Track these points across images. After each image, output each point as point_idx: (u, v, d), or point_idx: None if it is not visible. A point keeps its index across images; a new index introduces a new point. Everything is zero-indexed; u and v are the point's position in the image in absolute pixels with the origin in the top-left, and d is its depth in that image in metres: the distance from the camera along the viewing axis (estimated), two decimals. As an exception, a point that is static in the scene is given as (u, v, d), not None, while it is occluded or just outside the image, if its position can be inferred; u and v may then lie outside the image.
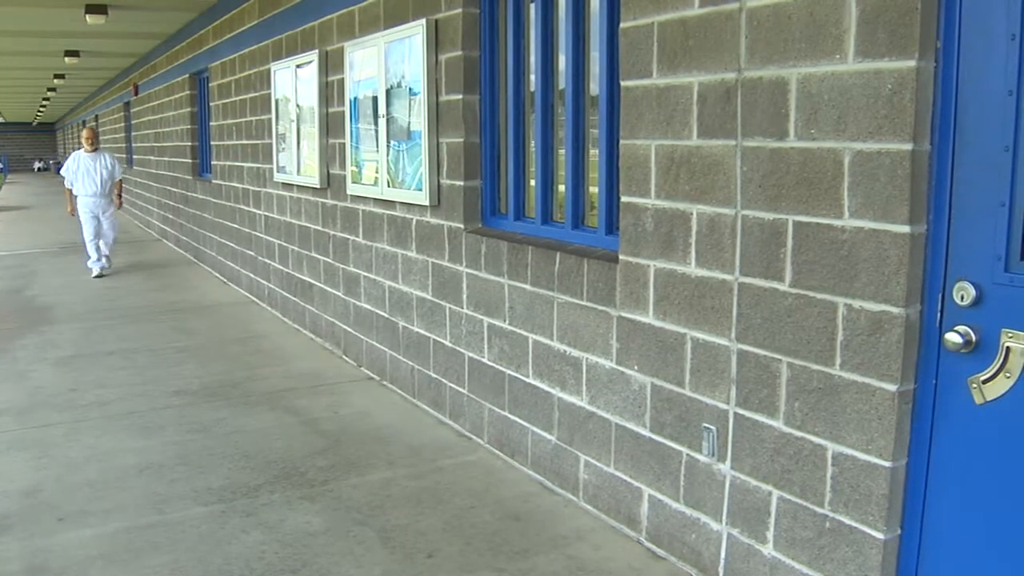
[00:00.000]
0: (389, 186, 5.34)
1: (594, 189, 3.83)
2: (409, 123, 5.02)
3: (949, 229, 2.34)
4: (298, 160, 6.96)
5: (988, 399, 2.29)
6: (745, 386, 2.91)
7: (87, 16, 9.29)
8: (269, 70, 7.53)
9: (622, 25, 3.31)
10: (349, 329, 6.27)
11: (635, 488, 3.47)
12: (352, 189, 5.93)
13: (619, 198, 3.43)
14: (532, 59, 4.16)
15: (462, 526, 3.63)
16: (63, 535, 3.56)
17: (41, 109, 35.51)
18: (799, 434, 2.72)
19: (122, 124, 18.74)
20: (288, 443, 4.61)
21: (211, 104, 10.06)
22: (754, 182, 2.80)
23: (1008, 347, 2.23)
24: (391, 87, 5.20)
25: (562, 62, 3.95)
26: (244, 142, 8.65)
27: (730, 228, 2.91)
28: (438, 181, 4.81)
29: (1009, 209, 2.20)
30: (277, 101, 7.40)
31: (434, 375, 5.04)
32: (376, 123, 5.43)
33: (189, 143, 11.53)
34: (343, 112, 6.00)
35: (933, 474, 2.44)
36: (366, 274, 5.89)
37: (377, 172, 5.49)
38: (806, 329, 2.67)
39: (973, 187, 2.28)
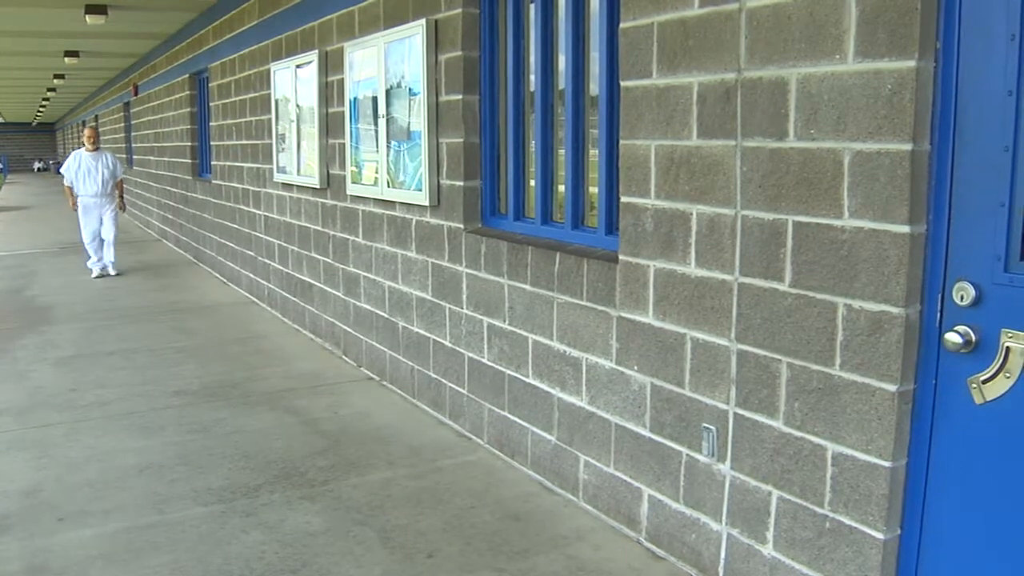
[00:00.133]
0: (389, 186, 5.34)
1: (594, 189, 3.83)
2: (409, 123, 5.02)
3: (949, 229, 2.34)
4: (298, 160, 6.96)
5: (988, 399, 2.29)
6: (745, 386, 2.91)
7: (87, 16, 9.29)
8: (269, 70, 7.53)
9: (622, 25, 3.31)
10: (349, 329, 6.27)
11: (635, 488, 3.47)
12: (352, 189, 5.94)
13: (619, 198, 3.43)
14: (532, 59, 4.16)
15: (462, 526, 3.63)
16: (63, 535, 3.56)
17: (41, 109, 35.51)
18: (799, 434, 2.73)
19: (122, 124, 18.74)
20: (288, 443, 4.61)
21: (211, 104, 10.06)
22: (754, 182, 2.80)
23: (1008, 347, 2.23)
24: (391, 87, 5.20)
25: (562, 62, 3.95)
26: (244, 142, 8.65)
27: (730, 228, 2.91)
28: (438, 181, 4.81)
29: (1009, 209, 2.20)
30: (277, 101, 7.40)
31: (434, 375, 5.04)
32: (376, 123, 5.43)
33: (189, 143, 11.53)
34: (343, 112, 6.00)
35: (933, 474, 2.44)
36: (366, 274, 5.89)
37: (377, 172, 5.49)
38: (806, 329, 2.67)
39: (973, 187, 2.28)
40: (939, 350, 2.38)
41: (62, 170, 10.53)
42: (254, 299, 8.73)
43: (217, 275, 10.27)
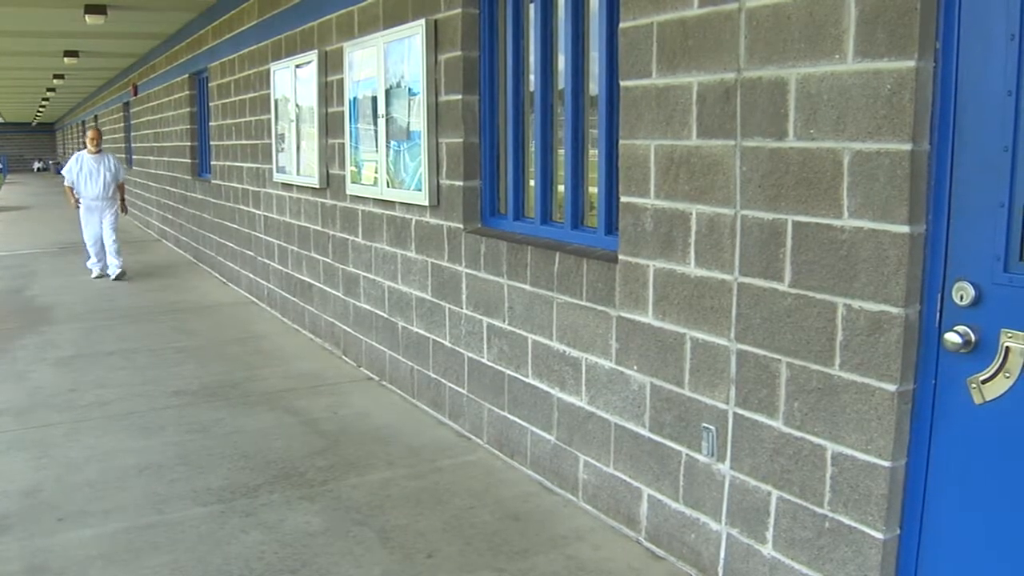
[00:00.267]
0: (388, 186, 5.34)
1: (593, 189, 3.83)
2: (408, 123, 5.02)
3: (948, 229, 2.34)
4: (297, 160, 6.96)
5: (987, 399, 2.29)
6: (744, 386, 2.91)
7: (86, 16, 9.29)
8: (268, 70, 7.53)
9: (621, 25, 3.31)
10: (348, 329, 6.27)
11: (634, 488, 3.47)
12: (351, 189, 5.94)
13: (618, 198, 3.43)
14: (531, 59, 4.16)
15: (461, 526, 3.63)
16: (63, 535, 3.56)
17: (40, 109, 35.51)
18: (798, 434, 2.73)
19: (121, 124, 18.74)
20: (287, 443, 4.61)
21: (210, 104, 10.06)
22: (753, 182, 2.80)
23: (1007, 347, 2.23)
24: (390, 87, 5.20)
25: (561, 62, 3.95)
26: (243, 142, 8.65)
27: (729, 228, 2.91)
28: (437, 181, 4.81)
29: (1008, 209, 2.20)
30: (276, 101, 7.40)
31: (433, 375, 5.04)
32: (375, 123, 5.43)
33: (188, 143, 11.53)
34: (342, 112, 6.00)
35: (932, 474, 2.44)
36: (365, 274, 5.89)
37: (376, 172, 5.49)
38: (805, 329, 2.67)
39: (972, 187, 2.28)
40: (939, 350, 2.38)
41: (63, 172, 10.37)
42: (254, 299, 8.73)
43: (217, 275, 10.27)
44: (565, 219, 4.00)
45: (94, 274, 10.09)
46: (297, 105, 6.86)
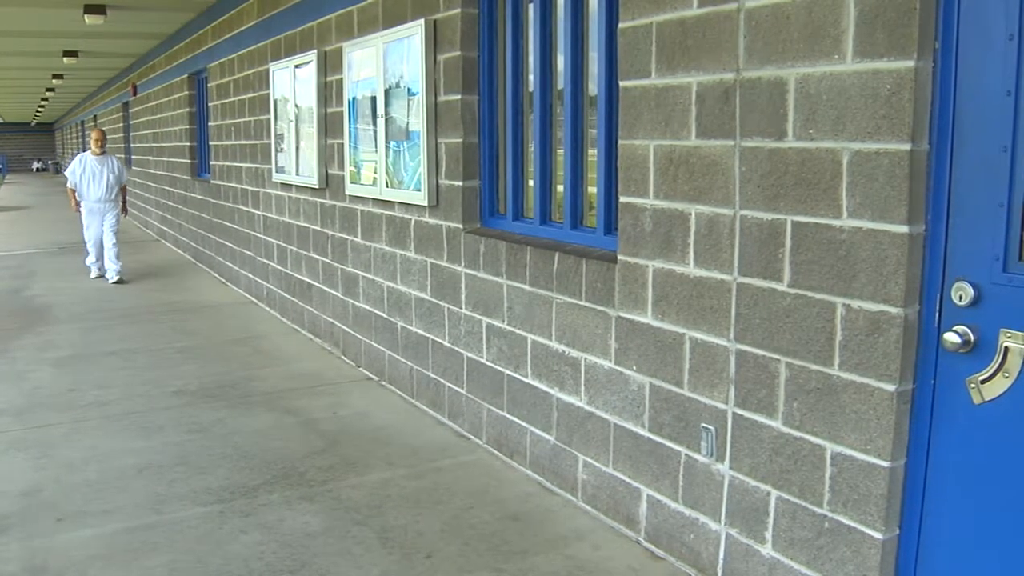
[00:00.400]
0: (388, 186, 5.34)
1: (593, 189, 3.84)
2: (408, 123, 5.02)
3: (947, 229, 2.34)
4: (297, 160, 6.96)
5: (986, 399, 2.29)
6: (744, 386, 2.91)
7: (85, 16, 9.28)
8: (268, 70, 7.53)
9: (621, 25, 3.31)
10: (348, 329, 6.27)
11: (634, 488, 3.47)
12: (351, 189, 5.93)
13: (618, 198, 3.43)
14: (531, 59, 4.16)
15: (461, 526, 3.63)
16: (62, 535, 3.56)
17: (40, 109, 35.48)
18: (798, 434, 2.73)
19: (121, 124, 18.74)
20: (287, 443, 4.61)
21: (210, 104, 10.06)
22: (753, 182, 2.80)
23: (1006, 347, 2.23)
24: (390, 87, 5.20)
25: (561, 62, 3.95)
26: (243, 142, 8.65)
27: (729, 228, 2.91)
28: (436, 181, 4.81)
29: (1007, 209, 2.20)
30: (276, 101, 7.40)
31: (433, 375, 5.04)
32: (375, 123, 5.43)
33: (188, 143, 11.53)
34: (342, 112, 6.00)
35: (932, 474, 2.44)
36: (365, 274, 5.89)
37: (376, 172, 5.49)
38: (805, 329, 2.67)
39: (971, 187, 2.28)
40: (938, 350, 2.38)
41: (66, 173, 10.23)
42: (253, 299, 8.72)
43: (216, 275, 10.27)
44: (564, 219, 4.00)
45: (93, 274, 10.06)
46: (296, 105, 6.86)
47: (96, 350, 6.66)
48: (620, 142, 3.37)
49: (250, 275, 8.80)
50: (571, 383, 3.81)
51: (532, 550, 3.42)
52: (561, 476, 3.93)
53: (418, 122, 4.87)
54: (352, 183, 5.90)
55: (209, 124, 10.19)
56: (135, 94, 15.60)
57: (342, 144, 6.04)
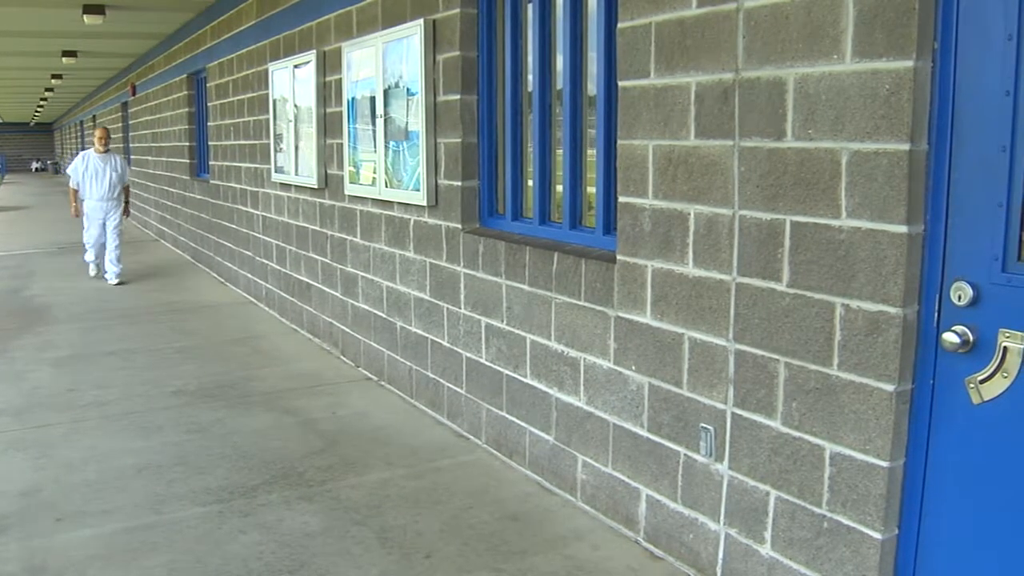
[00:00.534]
0: (387, 186, 5.34)
1: (592, 189, 3.84)
2: (407, 123, 5.02)
3: (946, 229, 2.35)
4: (296, 160, 6.96)
5: (985, 399, 2.29)
6: (743, 386, 2.91)
7: (85, 16, 9.27)
8: (267, 70, 7.53)
9: (620, 25, 3.31)
10: (347, 329, 6.27)
11: (633, 488, 3.47)
12: (350, 189, 5.93)
13: (617, 198, 3.43)
14: (530, 59, 4.16)
15: (460, 526, 3.63)
16: (61, 535, 3.55)
17: (39, 109, 35.47)
18: (797, 434, 2.73)
19: (120, 124, 18.73)
20: (286, 443, 4.61)
21: (209, 104, 10.06)
22: (752, 182, 2.80)
23: (1005, 347, 2.23)
24: (389, 87, 5.20)
25: (560, 62, 3.95)
26: (242, 142, 8.64)
27: (728, 228, 2.91)
28: (436, 181, 4.81)
29: (1006, 209, 2.21)
30: (275, 101, 7.39)
31: (432, 375, 5.04)
32: (374, 123, 5.43)
33: (187, 143, 11.52)
34: (341, 112, 6.00)
35: (931, 474, 2.44)
36: (364, 274, 5.89)
37: (375, 172, 5.49)
38: (804, 329, 2.67)
39: (970, 187, 2.29)
40: (937, 350, 2.38)
41: (68, 170, 10.12)
42: (252, 299, 8.72)
43: (215, 275, 10.26)
44: (563, 219, 4.00)
45: (91, 272, 10.00)
46: (295, 105, 6.86)
47: (95, 350, 6.66)
48: (619, 142, 3.37)
49: (249, 275, 8.80)
50: (570, 383, 3.81)
51: (531, 550, 3.42)
52: (560, 476, 3.93)
53: (417, 122, 4.87)
54: (351, 183, 5.90)
55: (208, 124, 10.19)
56: (134, 94, 15.60)
57: (341, 144, 6.04)
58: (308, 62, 6.48)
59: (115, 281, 9.73)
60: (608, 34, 3.54)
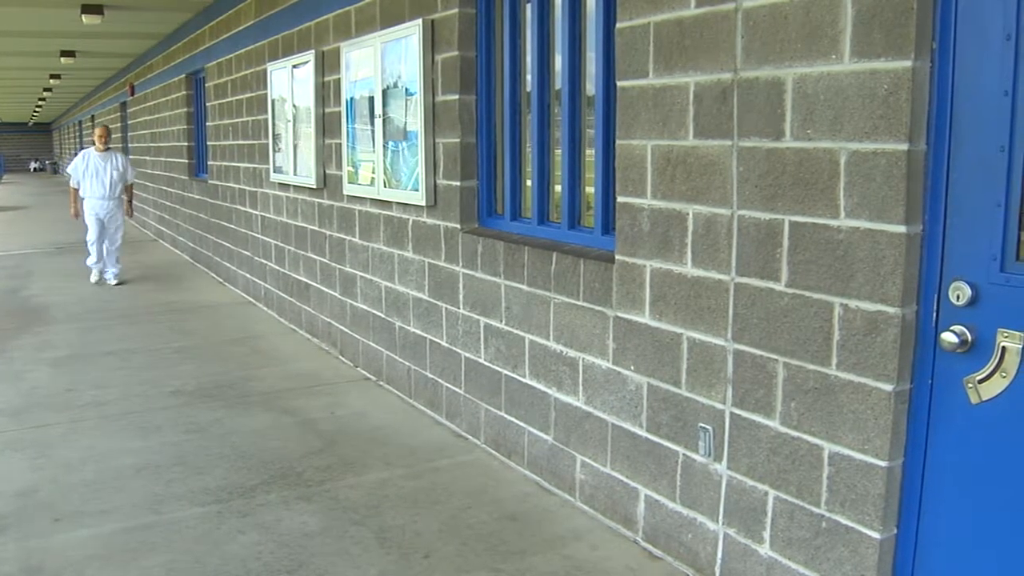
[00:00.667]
0: (385, 186, 5.34)
1: (590, 189, 3.83)
2: (405, 123, 5.02)
3: (945, 229, 2.35)
4: (294, 160, 6.95)
5: (984, 399, 2.29)
6: (741, 386, 2.91)
7: (83, 16, 9.27)
8: (265, 70, 7.52)
9: (618, 25, 3.31)
10: (345, 329, 6.26)
11: (631, 488, 3.47)
12: (348, 189, 5.93)
13: (615, 198, 3.43)
14: (528, 59, 4.16)
15: (459, 526, 3.63)
16: (59, 536, 3.55)
17: (37, 109, 35.45)
18: (795, 434, 2.73)
19: (118, 124, 18.72)
20: (285, 443, 4.61)
21: (207, 104, 10.05)
22: (750, 182, 2.80)
23: (1004, 347, 2.23)
24: (387, 87, 5.20)
25: (558, 62, 3.95)
26: (240, 142, 8.64)
27: (726, 228, 2.91)
28: (434, 181, 4.81)
29: (1005, 209, 2.21)
30: (273, 101, 7.39)
31: (430, 375, 5.04)
32: (372, 123, 5.42)
33: (185, 143, 11.51)
34: (339, 112, 6.00)
35: (929, 474, 2.44)
36: (362, 274, 5.89)
37: (373, 172, 5.49)
38: (802, 329, 2.67)
39: (969, 187, 2.29)
40: (935, 350, 2.38)
41: (68, 169, 10.04)
42: (251, 299, 8.72)
43: (214, 275, 10.26)
44: (562, 219, 4.00)
45: (93, 277, 9.73)
46: (294, 105, 6.85)
47: (94, 350, 6.65)
48: (618, 142, 3.37)
49: (248, 275, 8.79)
50: (569, 383, 3.81)
51: (530, 550, 3.42)
52: (559, 476, 3.93)
53: (416, 122, 4.87)
54: (350, 183, 5.89)
55: (207, 124, 10.18)
56: (133, 94, 15.59)
57: (340, 144, 6.03)
58: (307, 62, 6.48)
59: (114, 281, 9.70)
60: (607, 34, 3.54)
